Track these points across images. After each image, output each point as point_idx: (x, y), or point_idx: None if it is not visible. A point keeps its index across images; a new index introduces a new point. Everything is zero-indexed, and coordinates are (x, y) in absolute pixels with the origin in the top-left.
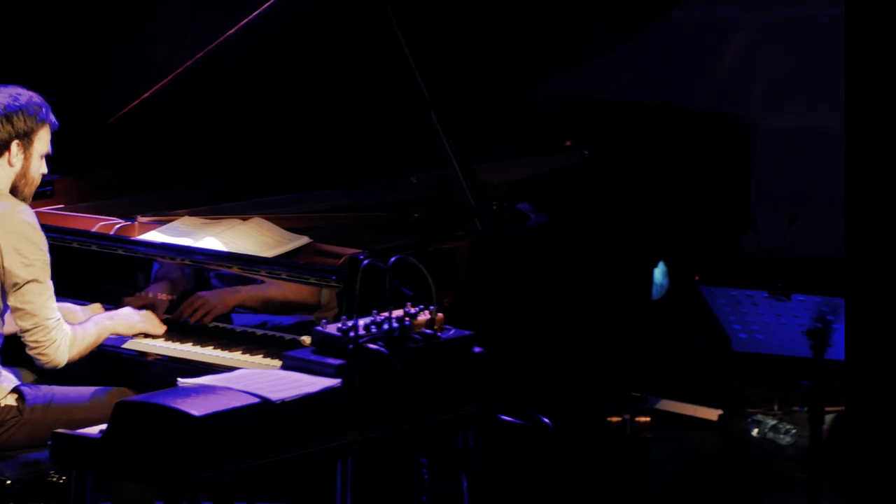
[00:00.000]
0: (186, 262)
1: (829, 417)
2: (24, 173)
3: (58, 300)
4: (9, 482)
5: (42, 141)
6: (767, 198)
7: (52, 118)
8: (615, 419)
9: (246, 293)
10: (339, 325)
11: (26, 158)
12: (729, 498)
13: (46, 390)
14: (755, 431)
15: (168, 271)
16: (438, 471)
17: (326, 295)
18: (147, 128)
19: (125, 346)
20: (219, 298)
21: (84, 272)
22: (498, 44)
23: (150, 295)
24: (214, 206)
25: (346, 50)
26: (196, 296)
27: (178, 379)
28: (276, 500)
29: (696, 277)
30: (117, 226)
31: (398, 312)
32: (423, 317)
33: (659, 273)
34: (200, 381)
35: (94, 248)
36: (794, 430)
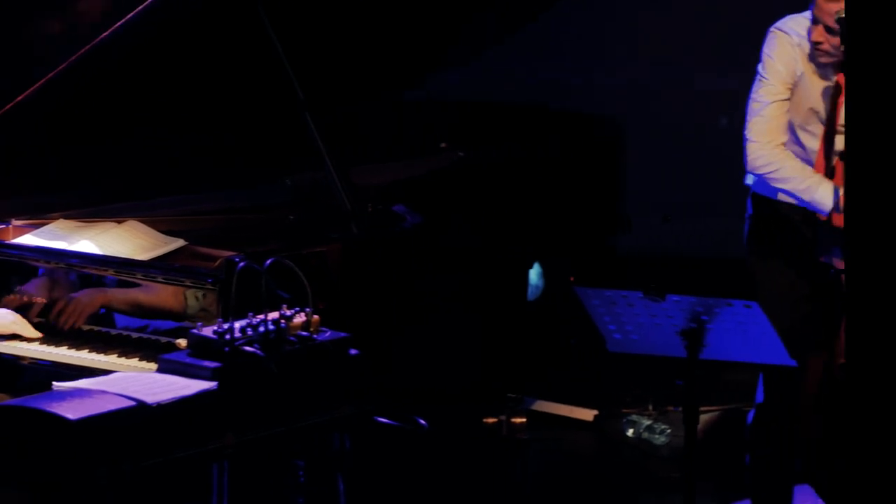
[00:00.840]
0: (61, 265)
1: (703, 417)
2: None
3: None
4: None
5: None
6: (641, 198)
7: None
8: (491, 420)
9: (114, 293)
10: (215, 327)
11: None
12: (604, 498)
13: None
14: (630, 432)
15: (43, 275)
16: (315, 472)
17: (193, 295)
18: (21, 130)
19: None
20: (88, 299)
21: None
22: (374, 45)
23: (25, 298)
24: (89, 209)
25: (222, 51)
26: (67, 298)
27: (54, 383)
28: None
29: (571, 278)
30: None
31: (274, 315)
32: (299, 319)
33: (534, 274)
34: (76, 385)
35: None
36: (668, 431)
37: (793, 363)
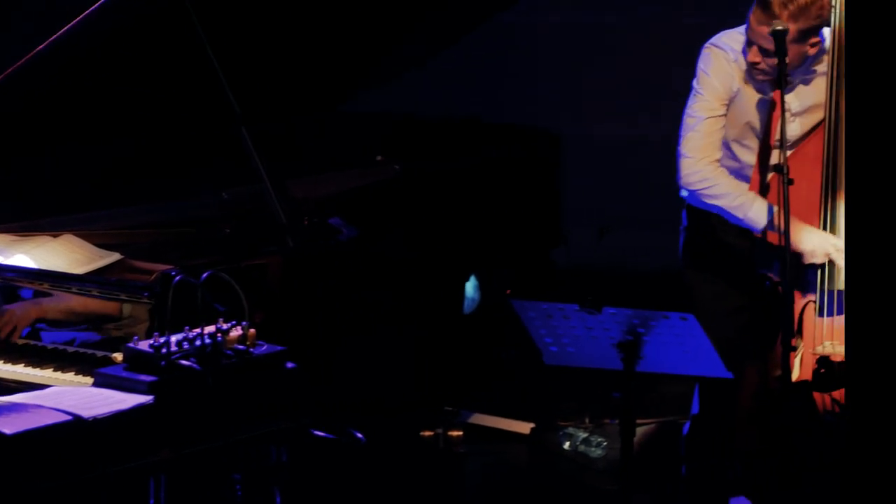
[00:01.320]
0: None
1: (639, 430)
2: None
3: None
4: None
5: None
6: (578, 211)
7: None
8: (428, 433)
9: (47, 303)
10: (151, 341)
11: None
12: None
13: None
14: (566, 444)
15: None
16: (252, 486)
17: (128, 307)
18: None
19: None
20: (22, 312)
21: None
22: (310, 58)
23: None
24: (24, 223)
25: (158, 64)
26: (0, 311)
27: None
28: None
29: (508, 291)
30: None
31: (210, 328)
32: (236, 333)
33: (470, 287)
34: (11, 399)
35: None
36: (605, 443)
37: (729, 375)
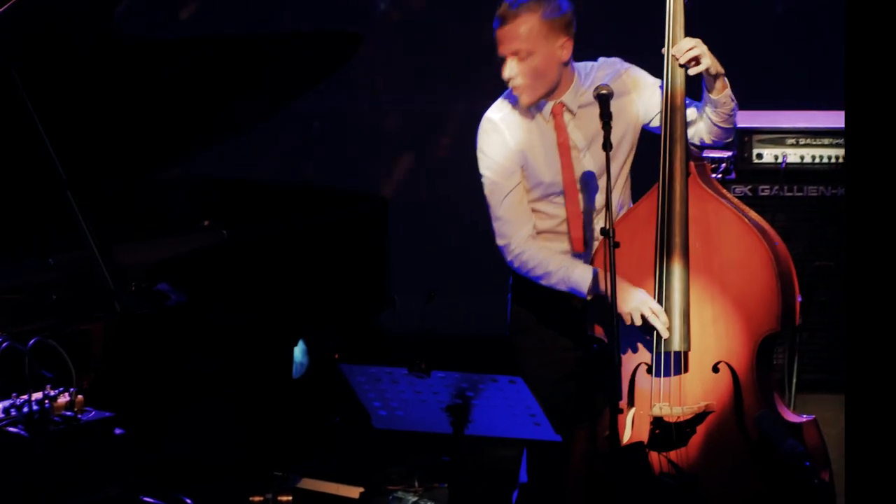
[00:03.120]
0: None
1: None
2: None
3: None
4: None
5: None
6: (406, 276)
7: None
8: (257, 498)
9: None
10: None
11: None
12: None
13: None
14: None
15: None
16: None
17: None
18: None
19: None
20: None
21: None
22: (139, 123)
23: None
24: None
25: None
26: None
27: None
28: None
29: (336, 356)
30: None
31: (38, 395)
32: (63, 399)
33: (299, 351)
34: None
35: None
36: None
37: (558, 438)
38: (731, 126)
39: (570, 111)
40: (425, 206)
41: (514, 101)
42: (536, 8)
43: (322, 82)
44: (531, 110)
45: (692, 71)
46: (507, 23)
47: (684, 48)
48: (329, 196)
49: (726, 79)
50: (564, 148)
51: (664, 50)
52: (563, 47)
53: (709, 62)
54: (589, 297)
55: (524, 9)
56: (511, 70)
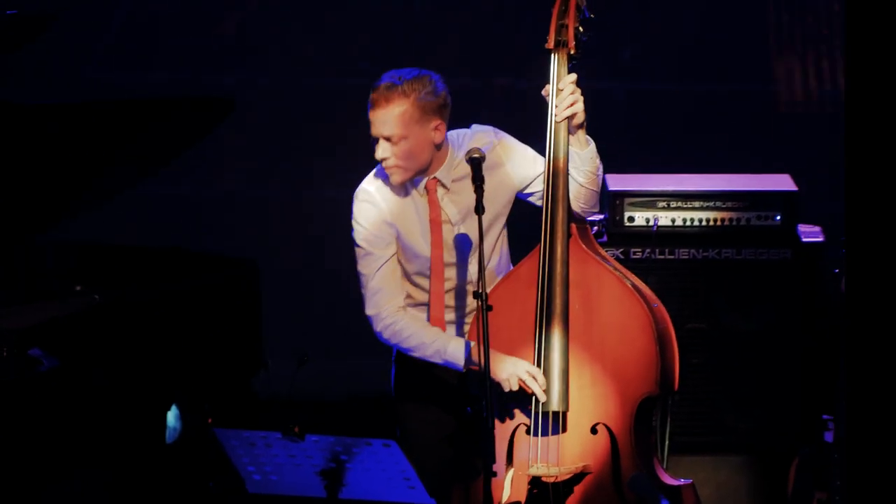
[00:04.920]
0: None
1: None
2: None
3: None
4: None
5: None
6: (279, 340)
7: None
8: None
9: None
10: None
11: None
12: None
13: None
14: None
15: None
16: None
17: None
18: None
19: None
20: None
21: None
22: (6, 186)
23: None
24: None
25: None
26: None
27: None
28: None
29: (210, 420)
30: None
31: None
32: None
33: (172, 416)
34: None
35: None
36: None
37: (432, 502)
38: (597, 189)
39: (444, 186)
40: (300, 269)
41: (386, 176)
42: (410, 91)
43: (194, 147)
44: (406, 185)
45: (566, 118)
46: (379, 107)
47: (567, 103)
48: (201, 260)
49: (590, 138)
50: (436, 224)
51: (545, 93)
52: (437, 129)
53: (583, 117)
54: (465, 370)
55: (397, 93)
56: (384, 151)
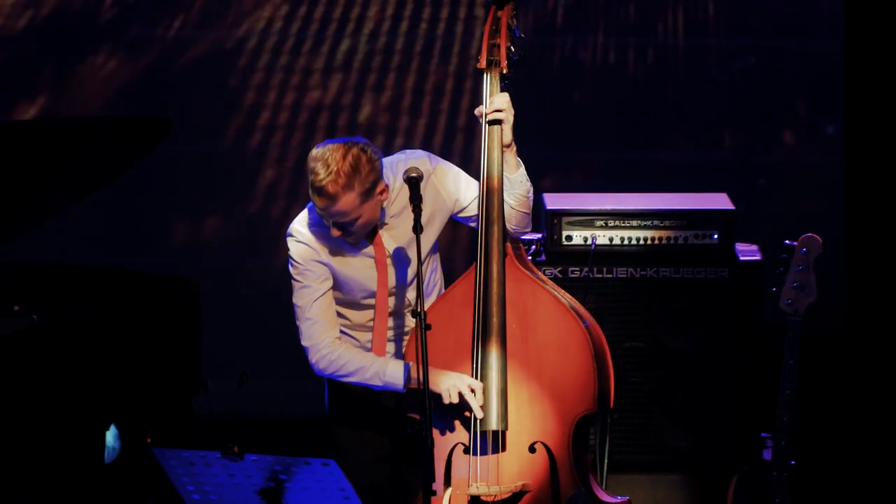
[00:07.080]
0: None
1: None
2: None
3: None
4: None
5: None
6: (218, 358)
7: None
8: None
9: None
10: None
11: None
12: None
13: None
14: None
15: None
16: None
17: None
18: None
19: None
20: None
21: None
22: None
23: None
24: None
25: None
26: None
27: None
28: None
29: (149, 440)
30: None
31: None
32: None
33: (111, 436)
34: None
35: None
36: None
37: None
38: (528, 211)
39: (383, 223)
40: (241, 288)
41: (319, 223)
42: (351, 184)
43: (133, 167)
44: None
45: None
46: (326, 204)
47: (493, 106)
48: (142, 280)
49: (521, 161)
50: (382, 265)
51: (478, 112)
52: (382, 192)
53: (508, 128)
54: (405, 391)
55: (341, 190)
56: (343, 232)
